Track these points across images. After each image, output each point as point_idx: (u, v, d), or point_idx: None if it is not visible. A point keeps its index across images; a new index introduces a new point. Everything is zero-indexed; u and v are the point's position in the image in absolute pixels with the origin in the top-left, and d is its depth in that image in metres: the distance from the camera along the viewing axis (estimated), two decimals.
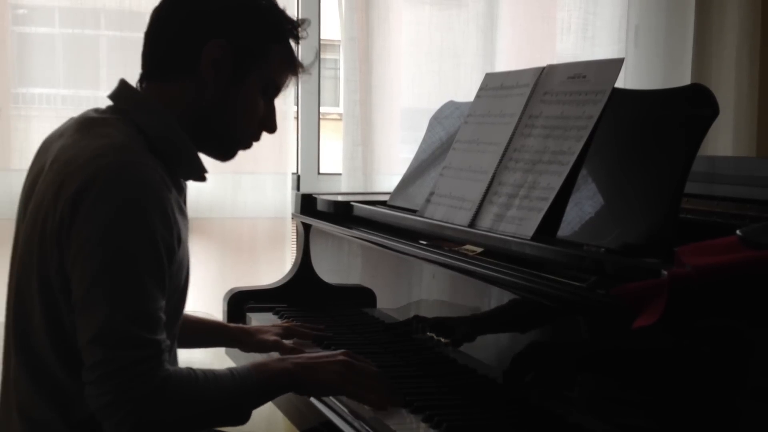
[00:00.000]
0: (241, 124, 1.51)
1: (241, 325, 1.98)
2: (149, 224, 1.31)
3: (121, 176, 1.32)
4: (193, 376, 1.37)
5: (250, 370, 1.44)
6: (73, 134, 1.43)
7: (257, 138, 1.56)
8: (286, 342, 1.81)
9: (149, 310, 1.32)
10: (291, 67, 1.54)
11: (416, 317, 1.79)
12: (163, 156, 1.42)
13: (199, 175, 1.51)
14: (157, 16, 1.48)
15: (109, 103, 1.48)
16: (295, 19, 1.54)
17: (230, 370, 1.42)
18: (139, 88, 1.49)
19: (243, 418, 1.42)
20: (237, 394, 1.40)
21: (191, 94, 1.46)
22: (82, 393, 1.33)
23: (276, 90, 1.54)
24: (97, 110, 1.48)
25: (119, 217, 1.31)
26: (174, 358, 1.53)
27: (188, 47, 1.44)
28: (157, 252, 1.33)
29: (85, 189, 1.31)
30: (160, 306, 1.34)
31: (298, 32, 1.53)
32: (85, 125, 1.44)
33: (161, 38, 1.48)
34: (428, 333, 1.73)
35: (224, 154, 1.56)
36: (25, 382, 1.41)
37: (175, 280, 1.42)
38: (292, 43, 1.53)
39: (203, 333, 1.83)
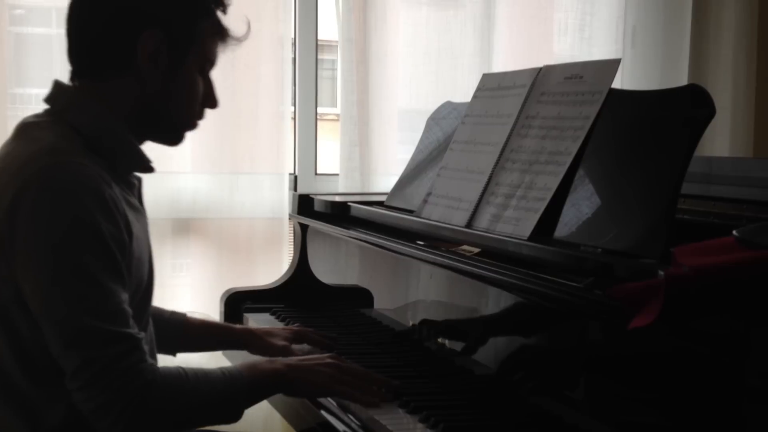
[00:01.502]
0: (185, 108, 1.50)
1: (248, 327, 1.96)
2: (91, 220, 1.30)
3: (53, 178, 1.31)
4: (182, 373, 1.37)
5: (241, 370, 1.44)
6: (10, 142, 1.42)
7: (201, 117, 1.54)
8: (296, 347, 1.78)
9: (112, 304, 1.30)
10: (222, 39, 1.51)
11: (413, 318, 1.79)
12: (101, 153, 1.39)
13: (144, 166, 1.49)
14: (79, 11, 1.45)
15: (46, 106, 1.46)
16: None
17: (221, 370, 1.42)
18: (71, 87, 1.46)
19: (235, 417, 1.42)
20: (228, 392, 1.40)
21: (130, 89, 1.44)
22: (50, 403, 1.33)
23: (211, 65, 1.52)
24: (35, 115, 1.46)
25: (58, 218, 1.29)
26: (153, 354, 1.51)
27: (121, 43, 1.42)
28: (105, 246, 1.31)
29: (20, 198, 1.30)
30: (123, 299, 1.32)
31: (223, 1, 1.51)
32: (21, 131, 1.43)
33: (88, 35, 1.44)
34: (425, 333, 1.73)
35: (172, 139, 1.54)
36: None
37: (136, 277, 1.40)
38: (219, 14, 1.50)
39: (208, 335, 1.81)
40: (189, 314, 1.83)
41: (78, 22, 1.45)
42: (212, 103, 1.54)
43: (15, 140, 1.42)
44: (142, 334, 1.34)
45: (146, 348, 1.34)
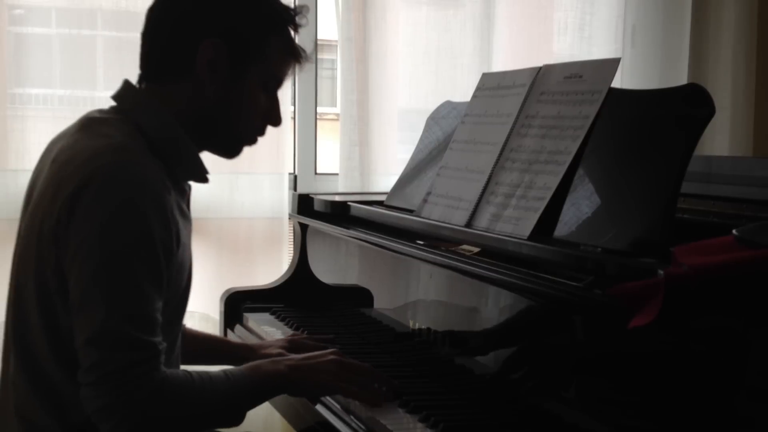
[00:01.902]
0: (243, 121, 1.50)
1: (244, 342, 1.93)
2: (146, 225, 1.31)
3: (118, 176, 1.32)
4: (189, 378, 1.37)
5: (244, 373, 1.44)
6: (74, 134, 1.43)
7: (262, 133, 1.54)
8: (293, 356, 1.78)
9: (146, 311, 1.31)
10: (291, 57, 1.51)
11: (413, 317, 1.79)
12: (163, 157, 1.41)
13: (201, 176, 1.50)
14: (151, 16, 1.47)
15: (113, 103, 1.48)
16: (292, 5, 1.53)
17: (225, 373, 1.42)
18: (140, 89, 1.48)
19: (237, 420, 1.42)
20: (232, 396, 1.40)
21: (189, 95, 1.45)
22: (79, 396, 1.33)
23: (278, 82, 1.52)
24: (100, 111, 1.47)
25: (116, 217, 1.30)
26: (176, 361, 1.52)
27: (182, 49, 1.43)
28: (155, 253, 1.32)
29: (82, 189, 1.31)
30: (157, 308, 1.34)
31: (296, 20, 1.52)
32: (87, 125, 1.44)
33: (156, 40, 1.47)
34: (425, 333, 1.73)
35: (229, 151, 1.55)
36: (23, 384, 1.41)
37: (175, 283, 1.41)
38: (291, 32, 1.51)
39: (205, 348, 1.79)
40: (193, 327, 1.82)
41: (149, 27, 1.47)
42: (275, 121, 1.54)
43: (80, 132, 1.42)
44: (164, 345, 1.34)
45: (163, 358, 1.34)
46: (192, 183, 1.54)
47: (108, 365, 1.28)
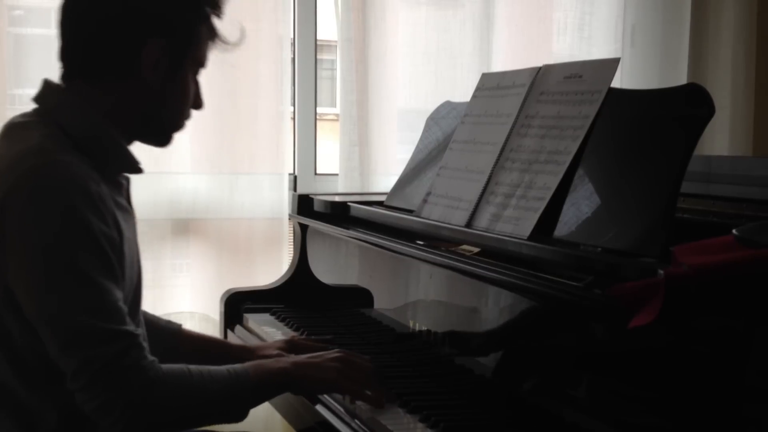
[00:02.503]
0: (180, 111, 1.50)
1: (242, 344, 1.93)
2: (82, 219, 1.29)
3: (42, 178, 1.30)
4: (186, 371, 1.36)
5: (247, 369, 1.43)
6: None
7: (190, 117, 1.54)
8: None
9: (107, 302, 1.30)
10: (214, 42, 1.51)
11: (413, 317, 1.79)
12: (89, 153, 1.39)
13: (132, 167, 1.48)
14: (78, 12, 1.44)
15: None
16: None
17: (227, 368, 1.42)
18: (61, 88, 1.45)
19: (240, 416, 1.42)
20: (233, 392, 1.39)
21: (126, 93, 1.43)
22: (44, 407, 1.32)
23: (202, 67, 1.52)
24: (23, 114, 1.45)
25: (49, 218, 1.29)
26: None
27: (124, 48, 1.41)
28: (97, 243, 1.30)
29: (9, 199, 1.29)
30: (117, 297, 1.32)
31: (219, 6, 1.50)
32: (7, 133, 1.42)
33: (88, 37, 1.43)
34: (425, 333, 1.73)
35: (163, 141, 1.53)
36: None
37: (127, 277, 1.39)
38: (214, 17, 1.50)
39: (202, 350, 1.77)
40: (192, 329, 1.82)
41: (77, 23, 1.45)
42: (199, 104, 1.53)
43: (2, 140, 1.41)
44: (140, 331, 1.34)
45: (145, 345, 1.34)
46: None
47: (92, 364, 1.27)
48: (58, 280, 1.28)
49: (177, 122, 1.51)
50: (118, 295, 1.33)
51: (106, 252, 1.32)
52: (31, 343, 1.33)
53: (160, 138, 1.52)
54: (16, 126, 1.42)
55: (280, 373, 1.46)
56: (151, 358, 1.33)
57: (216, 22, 1.50)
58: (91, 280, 1.29)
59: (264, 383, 1.44)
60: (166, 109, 1.48)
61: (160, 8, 1.43)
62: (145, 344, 1.34)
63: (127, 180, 1.51)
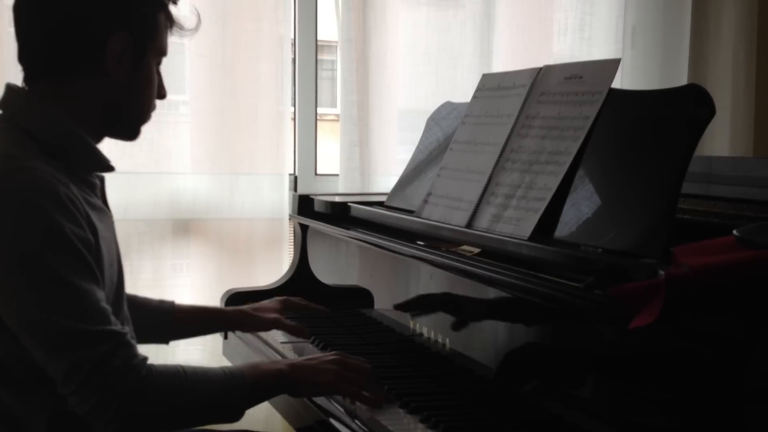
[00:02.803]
0: (146, 103, 1.49)
1: (237, 307, 1.95)
2: (53, 222, 1.28)
3: (8, 186, 1.29)
4: (180, 370, 1.36)
5: (243, 370, 1.43)
6: None
7: (155, 108, 1.53)
8: (288, 322, 1.79)
9: (88, 304, 1.29)
10: (172, 28, 1.50)
11: (413, 318, 1.79)
12: (56, 156, 1.37)
13: (103, 166, 1.46)
14: (35, 12, 1.42)
15: None
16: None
17: (222, 369, 1.42)
18: (24, 91, 1.43)
19: (235, 416, 1.41)
20: (228, 392, 1.39)
21: (94, 90, 1.42)
22: (31, 414, 1.32)
23: (163, 56, 1.50)
24: None
25: (20, 227, 1.27)
26: None
27: (87, 46, 1.40)
28: (72, 246, 1.29)
29: None
30: (99, 297, 1.31)
31: None
32: None
33: (48, 37, 1.41)
34: (425, 333, 1.73)
35: (132, 134, 1.52)
36: None
37: (107, 277, 1.38)
38: (171, 5, 1.49)
39: (198, 320, 1.79)
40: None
41: (36, 22, 1.42)
42: (162, 93, 1.52)
43: None
44: (126, 329, 1.33)
45: (134, 343, 1.33)
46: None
47: (82, 367, 1.26)
48: (36, 287, 1.27)
49: (144, 114, 1.50)
50: (100, 295, 1.32)
51: (81, 254, 1.30)
52: (14, 351, 1.32)
53: (129, 132, 1.51)
54: None
55: (276, 375, 1.45)
56: (141, 356, 1.32)
57: (172, 8, 1.49)
58: (70, 283, 1.28)
59: (259, 385, 1.43)
60: (132, 103, 1.46)
61: (120, 3, 1.42)
62: (134, 342, 1.33)
63: (101, 179, 1.49)
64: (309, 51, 2.85)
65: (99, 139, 1.47)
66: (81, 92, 1.42)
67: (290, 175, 2.79)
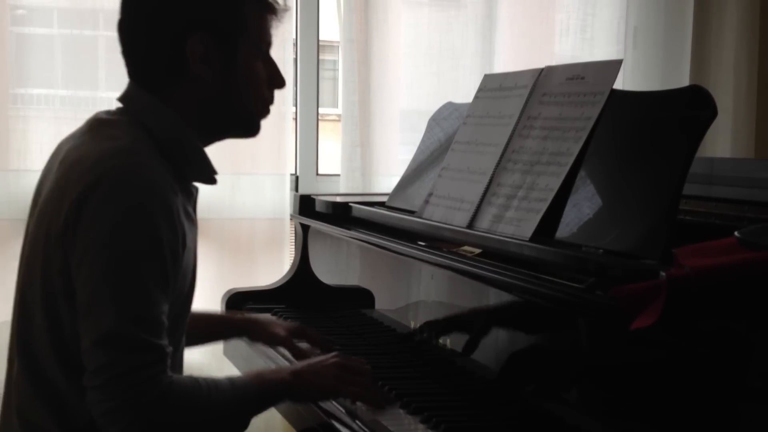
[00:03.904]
0: (253, 98, 1.49)
1: (249, 315, 1.94)
2: (155, 228, 1.31)
3: (126, 180, 1.31)
4: (196, 385, 1.36)
5: (248, 381, 1.44)
6: (82, 136, 1.42)
7: (272, 101, 1.53)
8: (296, 343, 1.79)
9: (153, 314, 1.31)
10: (269, 14, 1.49)
11: (414, 318, 1.79)
12: (171, 158, 1.40)
13: (209, 176, 1.50)
14: (125, 28, 1.45)
15: (119, 104, 1.47)
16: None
17: (230, 380, 1.42)
18: (144, 91, 1.46)
19: (242, 426, 1.43)
20: (237, 403, 1.40)
21: (191, 95, 1.43)
22: (81, 401, 1.32)
23: (267, 44, 1.50)
24: (108, 112, 1.47)
25: (124, 220, 1.30)
26: (179, 363, 1.52)
27: (168, 54, 1.41)
28: (162, 256, 1.32)
29: (90, 192, 1.30)
30: (164, 310, 1.33)
31: None
32: (94, 127, 1.43)
33: (137, 52, 1.44)
34: (426, 334, 1.73)
35: (251, 131, 1.53)
36: (26, 386, 1.40)
37: (179, 287, 1.41)
38: None
39: (207, 327, 1.79)
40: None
41: (127, 39, 1.45)
42: (279, 82, 1.53)
43: (88, 134, 1.42)
44: (170, 349, 1.34)
45: (169, 362, 1.34)
46: (198, 185, 1.53)
47: (116, 368, 1.27)
48: (115, 279, 1.29)
49: (256, 108, 1.50)
50: (165, 308, 1.33)
51: (166, 264, 1.33)
52: (79, 335, 1.33)
53: (247, 129, 1.52)
54: (103, 123, 1.43)
55: (280, 383, 1.46)
56: (170, 375, 1.33)
57: None
58: (146, 288, 1.30)
59: (265, 394, 1.45)
60: (239, 99, 1.47)
61: (193, 5, 1.42)
62: (169, 361, 1.34)
63: (197, 190, 1.52)
64: (311, 51, 2.85)
65: (218, 139, 1.50)
66: (183, 97, 1.43)
67: (291, 175, 2.79)
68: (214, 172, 1.50)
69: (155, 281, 1.31)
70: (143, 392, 1.28)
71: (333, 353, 1.57)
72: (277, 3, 1.51)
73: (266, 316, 1.90)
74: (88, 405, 1.30)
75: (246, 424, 1.43)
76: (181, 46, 1.40)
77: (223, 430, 1.43)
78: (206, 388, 1.37)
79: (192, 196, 1.50)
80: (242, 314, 2.05)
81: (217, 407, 1.37)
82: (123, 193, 1.30)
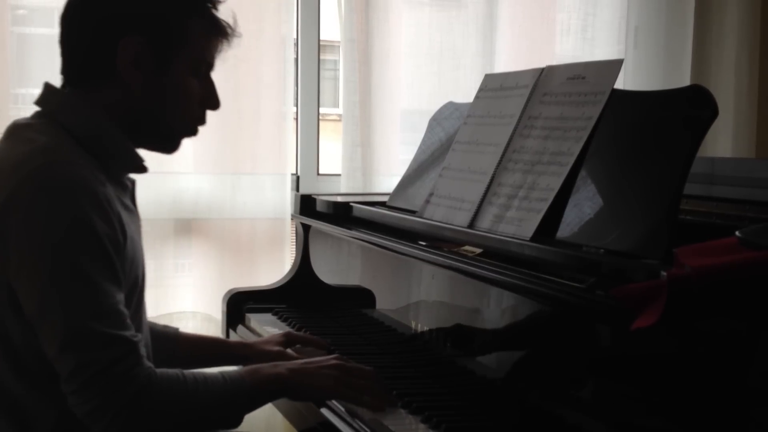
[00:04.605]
0: (178, 114, 1.46)
1: (240, 340, 1.92)
2: (86, 220, 1.28)
3: (48, 178, 1.29)
4: (181, 377, 1.35)
5: (242, 375, 1.42)
6: (1, 144, 1.41)
7: (202, 121, 1.51)
8: (290, 351, 1.77)
9: (107, 306, 1.29)
10: (216, 35, 1.46)
11: (415, 318, 1.78)
12: (93, 153, 1.38)
13: (137, 166, 1.47)
14: (63, 22, 1.45)
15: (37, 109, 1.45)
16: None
17: (222, 374, 1.41)
18: (63, 91, 1.45)
19: (235, 422, 1.41)
20: (228, 398, 1.39)
21: (118, 96, 1.42)
22: (41, 407, 1.32)
23: (208, 65, 1.48)
24: (25, 118, 1.44)
25: (54, 219, 1.28)
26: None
27: (101, 52, 1.40)
28: (101, 246, 1.30)
29: (13, 198, 1.29)
30: (119, 300, 1.31)
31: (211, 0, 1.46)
32: (12, 133, 1.42)
33: (72, 46, 1.44)
34: (427, 334, 1.73)
35: (168, 146, 1.51)
36: None
37: (130, 278, 1.39)
38: (211, 9, 1.45)
39: (200, 351, 1.76)
40: (192, 331, 1.81)
41: (64, 33, 1.45)
42: (213, 104, 1.50)
43: (6, 141, 1.41)
44: (138, 336, 1.33)
45: (143, 351, 1.33)
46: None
47: (88, 368, 1.27)
48: (61, 281, 1.28)
49: (181, 125, 1.48)
50: (119, 297, 1.32)
51: (109, 254, 1.31)
52: (31, 343, 1.32)
53: (165, 143, 1.50)
54: (20, 127, 1.42)
55: (277, 379, 1.44)
56: (147, 364, 1.32)
57: (215, 14, 1.46)
58: (94, 282, 1.28)
59: (260, 389, 1.43)
60: (163, 111, 1.45)
61: (135, 4, 1.41)
62: (143, 350, 1.33)
63: (132, 182, 1.50)
64: (311, 51, 2.86)
65: (136, 147, 1.47)
66: (107, 98, 1.42)
67: (292, 175, 2.79)
68: (141, 161, 1.47)
69: (100, 272, 1.29)
70: (122, 386, 1.28)
71: (334, 355, 1.56)
72: (229, 27, 1.48)
73: (255, 339, 1.86)
74: (72, 409, 1.30)
75: (239, 420, 1.41)
76: (114, 46, 1.39)
77: (213, 423, 1.41)
78: (192, 381, 1.35)
79: (127, 188, 1.47)
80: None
81: (205, 399, 1.36)
82: (47, 192, 1.28)
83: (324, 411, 1.54)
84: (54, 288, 1.27)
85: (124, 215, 1.38)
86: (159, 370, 1.34)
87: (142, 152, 1.49)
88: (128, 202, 1.46)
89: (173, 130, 1.49)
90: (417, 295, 1.81)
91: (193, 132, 1.51)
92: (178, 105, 1.46)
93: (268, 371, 1.46)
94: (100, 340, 1.27)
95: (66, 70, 1.45)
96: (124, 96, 1.42)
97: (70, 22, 1.44)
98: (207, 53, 1.47)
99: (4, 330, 1.34)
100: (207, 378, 1.38)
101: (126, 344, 1.30)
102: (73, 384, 1.28)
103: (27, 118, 1.44)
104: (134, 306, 1.43)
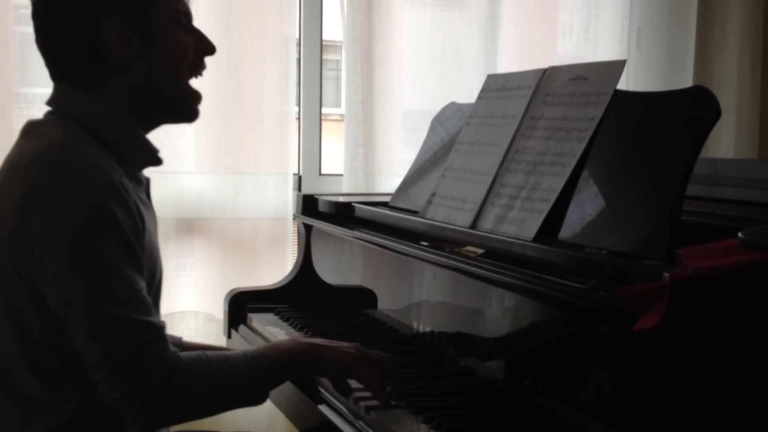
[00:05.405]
0: (177, 71, 1.47)
1: (242, 350, 1.92)
2: (106, 208, 1.29)
3: (66, 169, 1.30)
4: (204, 359, 1.36)
5: (263, 351, 1.43)
6: (18, 142, 1.42)
7: (202, 66, 1.51)
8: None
9: (132, 292, 1.30)
10: None
11: (417, 318, 1.78)
12: (108, 145, 1.39)
13: (152, 158, 1.48)
14: (38, 32, 1.44)
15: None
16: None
17: (243, 352, 1.42)
18: (71, 89, 1.45)
19: (260, 399, 1.42)
20: (251, 375, 1.39)
21: (122, 81, 1.42)
22: (57, 402, 1.32)
23: (186, 15, 1.48)
24: (39, 118, 1.46)
25: (74, 209, 1.29)
26: None
27: (86, 43, 1.40)
28: (122, 233, 1.31)
29: (33, 191, 1.30)
30: (142, 287, 1.32)
31: None
32: (28, 130, 1.43)
33: (55, 49, 1.43)
34: (429, 334, 1.73)
35: (186, 112, 1.52)
36: None
37: (148, 270, 1.40)
38: None
39: None
40: (195, 341, 1.81)
41: (42, 41, 1.44)
42: (207, 48, 1.50)
43: (23, 138, 1.42)
44: (163, 323, 1.34)
45: (168, 337, 1.34)
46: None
47: (116, 355, 1.27)
48: (85, 270, 1.28)
49: (184, 83, 1.48)
50: (142, 284, 1.33)
51: (130, 242, 1.32)
52: (52, 337, 1.33)
53: (182, 109, 1.50)
54: (35, 124, 1.43)
55: (298, 353, 1.45)
56: (172, 349, 1.33)
57: None
58: (118, 269, 1.29)
59: (281, 364, 1.43)
60: (162, 76, 1.45)
61: None
62: (167, 336, 1.34)
63: (147, 180, 1.52)
64: (314, 51, 2.86)
65: (155, 126, 1.49)
66: (113, 88, 1.42)
67: (294, 174, 2.79)
68: (156, 150, 1.48)
69: (122, 259, 1.30)
70: (150, 372, 1.28)
71: (356, 343, 1.57)
72: None
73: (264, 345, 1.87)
74: (101, 397, 1.30)
75: (264, 397, 1.42)
76: (96, 33, 1.39)
77: (239, 402, 1.42)
78: (215, 362, 1.36)
79: (142, 183, 1.49)
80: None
81: (229, 380, 1.36)
82: (65, 184, 1.29)
83: (326, 410, 1.54)
84: (77, 277, 1.28)
85: (142, 207, 1.40)
86: (183, 354, 1.34)
87: (161, 140, 1.49)
88: (143, 196, 1.47)
89: (183, 91, 1.49)
90: (419, 296, 1.80)
91: (198, 98, 1.50)
92: (178, 61, 1.47)
93: (287, 345, 1.47)
94: (127, 326, 1.28)
95: (62, 76, 1.45)
96: (127, 76, 1.43)
97: (46, 31, 1.44)
98: (178, 4, 1.47)
99: (25, 325, 1.34)
100: (229, 357, 1.39)
101: (153, 329, 1.30)
102: (102, 371, 1.28)
103: (41, 117, 1.45)
104: (153, 298, 1.43)
